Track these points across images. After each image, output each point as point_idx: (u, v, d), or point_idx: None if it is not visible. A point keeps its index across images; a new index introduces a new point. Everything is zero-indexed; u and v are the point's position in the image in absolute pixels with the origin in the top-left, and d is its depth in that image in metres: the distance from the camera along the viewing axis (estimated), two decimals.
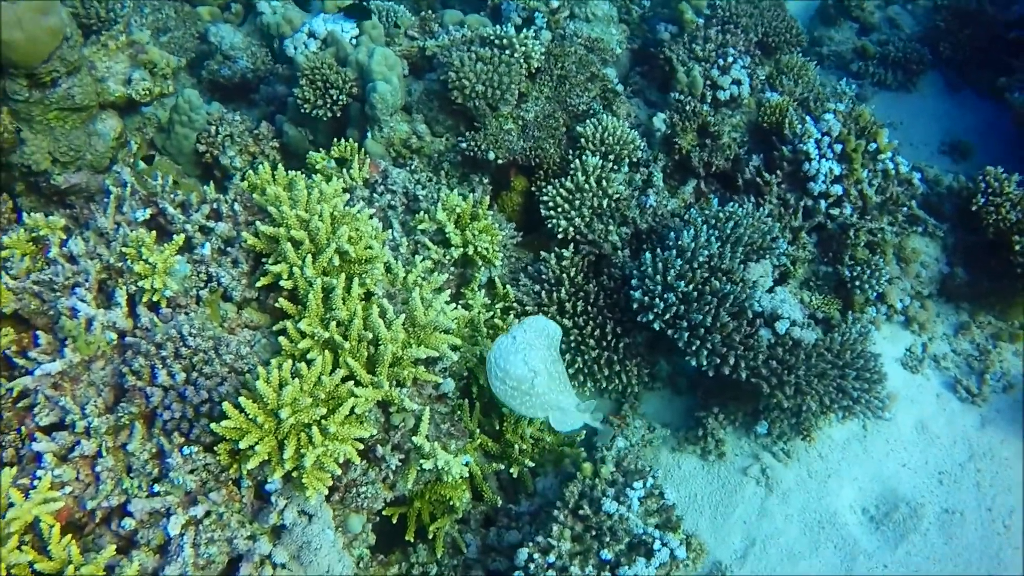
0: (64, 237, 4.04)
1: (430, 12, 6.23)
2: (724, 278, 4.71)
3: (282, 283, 3.83)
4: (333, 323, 3.68)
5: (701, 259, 4.68)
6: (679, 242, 4.78)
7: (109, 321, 3.67)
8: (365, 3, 6.18)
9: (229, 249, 4.06)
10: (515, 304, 5.00)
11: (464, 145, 5.19)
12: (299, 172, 4.76)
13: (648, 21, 6.97)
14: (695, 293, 4.59)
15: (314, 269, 3.84)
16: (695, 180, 5.69)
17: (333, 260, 3.88)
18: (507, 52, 5.40)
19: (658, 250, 4.84)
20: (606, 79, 5.83)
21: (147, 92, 4.80)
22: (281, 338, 3.68)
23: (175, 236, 3.91)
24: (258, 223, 3.98)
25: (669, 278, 4.65)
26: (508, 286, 5.03)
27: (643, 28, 6.97)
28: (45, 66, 4.21)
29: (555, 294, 5.01)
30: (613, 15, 6.42)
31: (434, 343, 3.88)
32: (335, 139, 5.24)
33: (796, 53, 6.49)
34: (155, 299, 3.77)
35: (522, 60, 5.42)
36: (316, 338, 3.64)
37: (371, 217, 4.31)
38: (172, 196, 4.24)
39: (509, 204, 5.43)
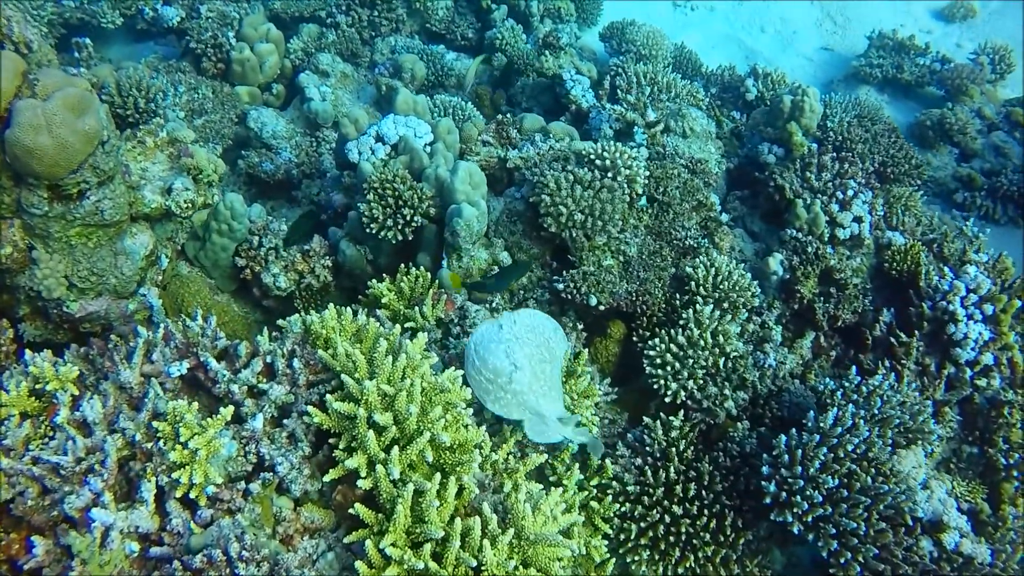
0: (76, 393, 3.17)
1: (508, 116, 5.49)
2: (874, 471, 3.86)
3: (360, 483, 2.95)
4: (427, 546, 2.79)
5: (849, 448, 3.83)
6: (820, 424, 3.94)
7: (131, 526, 2.78)
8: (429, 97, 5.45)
9: (286, 421, 3.19)
10: (613, 482, 4.11)
11: (561, 286, 4.37)
12: (367, 315, 3.94)
13: (742, 137, 6.25)
14: (844, 491, 3.74)
15: (401, 461, 2.96)
16: (814, 333, 4.88)
17: (425, 453, 3.00)
18: (609, 175, 4.63)
19: (794, 432, 3.99)
20: (711, 207, 5.05)
21: (189, 205, 3.98)
22: (359, 564, 2.77)
23: (218, 396, 3.06)
24: (329, 398, 3.11)
25: (812, 470, 3.79)
26: (606, 459, 4.16)
27: (734, 143, 6.25)
28: (73, 177, 3.40)
29: (662, 472, 4.13)
30: (711, 131, 5.69)
31: (546, 564, 3.00)
32: (401, 264, 4.43)
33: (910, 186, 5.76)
34: (193, 495, 2.88)
35: (625, 184, 4.65)
36: (406, 566, 2.74)
37: (458, 381, 3.44)
38: (214, 342, 3.38)
39: (604, 354, 4.59)
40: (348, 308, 3.69)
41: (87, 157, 3.40)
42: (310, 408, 3.12)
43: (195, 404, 3.01)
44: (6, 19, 3.39)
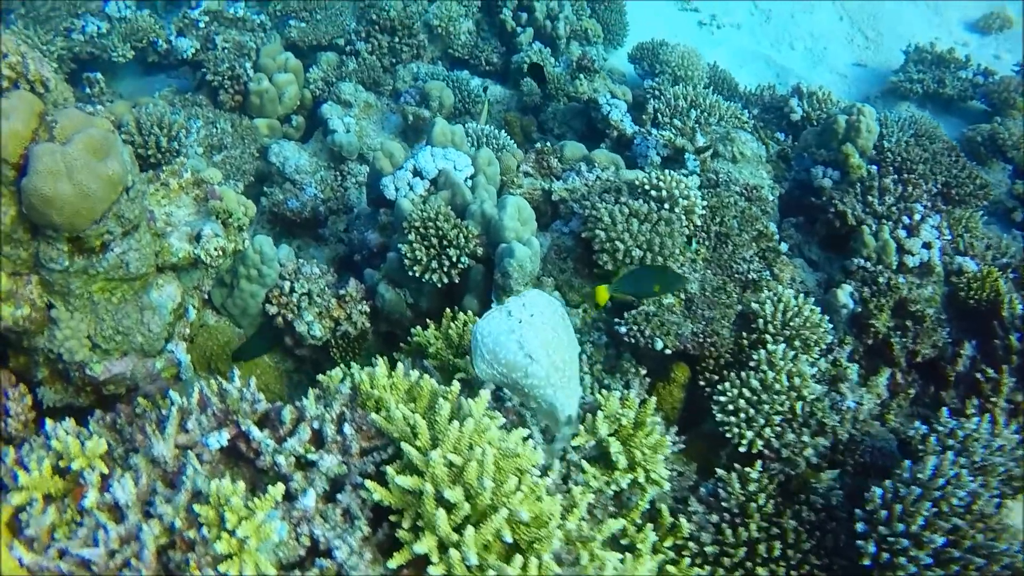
0: (106, 472, 2.83)
1: (548, 144, 5.17)
2: (982, 526, 3.49)
3: (432, 570, 2.59)
4: None
5: (955, 501, 3.47)
6: (918, 474, 3.58)
7: None
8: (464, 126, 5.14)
9: (339, 496, 2.84)
10: (689, 542, 3.75)
11: (624, 329, 4.03)
12: (413, 364, 3.62)
13: (788, 160, 5.93)
14: (953, 550, 3.37)
15: (476, 543, 2.61)
16: (890, 370, 4.52)
17: (503, 533, 2.65)
18: (666, 206, 4.31)
19: (889, 484, 3.63)
20: (771, 237, 4.72)
21: (220, 253, 3.66)
22: None
23: (262, 468, 2.71)
24: (389, 471, 2.76)
25: (915, 527, 3.43)
26: (680, 516, 3.79)
27: (780, 167, 5.93)
28: (96, 227, 3.08)
29: (742, 530, 3.77)
30: (762, 155, 5.37)
31: None
32: (446, 307, 4.10)
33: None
34: None
35: (683, 216, 4.32)
36: None
37: (528, 443, 3.09)
38: (254, 406, 3.04)
39: (668, 400, 4.23)
40: (399, 364, 3.35)
41: (111, 205, 3.07)
42: (368, 483, 2.77)
43: (240, 484, 2.66)
44: (20, 56, 3.08)
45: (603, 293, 4.05)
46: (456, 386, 3.18)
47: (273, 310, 4.35)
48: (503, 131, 5.80)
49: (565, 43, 7.30)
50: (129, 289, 3.36)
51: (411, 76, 7.04)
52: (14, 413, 3.32)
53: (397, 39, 7.16)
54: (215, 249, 3.59)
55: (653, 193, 4.36)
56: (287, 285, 4.38)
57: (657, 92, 5.98)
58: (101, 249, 3.15)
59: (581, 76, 6.05)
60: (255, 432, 2.90)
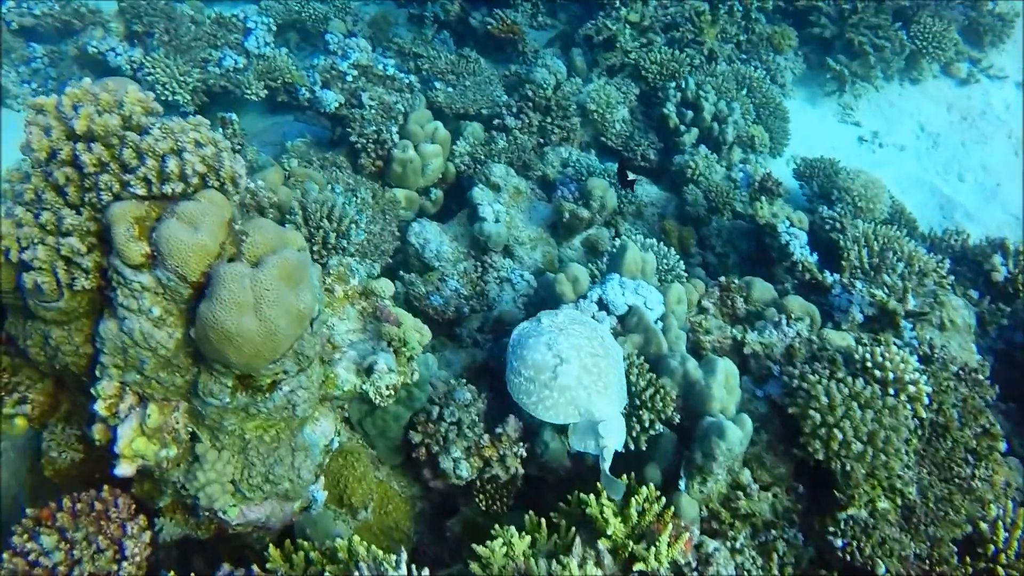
0: None
1: (734, 281, 4.54)
2: None
3: None
4: None
5: None
6: None
7: None
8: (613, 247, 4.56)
9: None
10: None
11: (840, 543, 3.36)
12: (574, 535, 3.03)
13: (985, 325, 5.22)
14: None
15: None
16: None
17: None
18: (891, 390, 3.65)
19: None
20: (996, 436, 4.02)
21: (391, 392, 3.10)
22: None
23: None
24: None
25: None
26: None
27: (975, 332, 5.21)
28: (272, 368, 2.54)
29: None
30: (972, 325, 4.68)
31: None
32: (623, 475, 3.48)
33: None
34: None
35: (907, 404, 3.66)
36: None
37: None
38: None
39: None
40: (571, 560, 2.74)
41: (294, 342, 2.54)
42: None
43: None
44: (215, 147, 2.58)
45: None
46: None
47: (417, 439, 3.77)
48: (672, 250, 5.20)
49: (728, 148, 6.72)
50: (286, 428, 2.82)
51: (560, 161, 6.52)
52: (130, 555, 2.78)
53: (550, 119, 6.66)
54: (387, 388, 3.03)
55: (877, 373, 3.71)
56: (436, 411, 3.82)
57: (846, 230, 5.34)
58: (270, 388, 2.62)
59: (763, 198, 5.45)
60: None
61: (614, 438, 3.19)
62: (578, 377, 3.11)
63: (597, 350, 3.24)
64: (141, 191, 2.45)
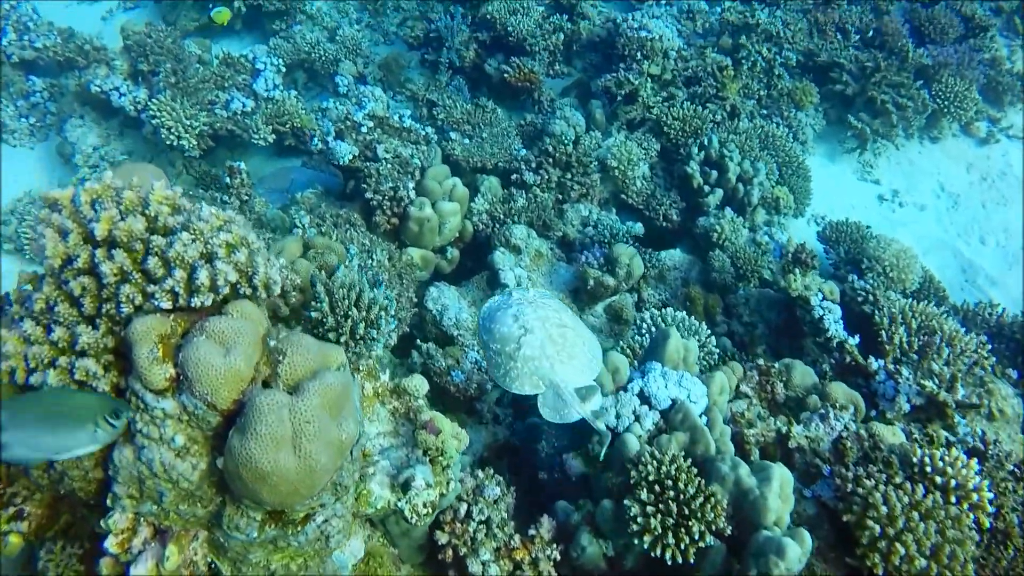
0: None
1: (772, 365, 4.31)
2: None
3: None
4: None
5: None
6: None
7: None
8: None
9: None
10: None
11: None
12: None
13: None
14: None
15: None
16: None
17: None
18: (953, 498, 3.41)
19: None
20: None
21: (428, 511, 2.83)
22: None
23: None
24: None
25: None
26: None
27: None
28: (308, 503, 2.27)
29: None
30: (1021, 412, 4.45)
31: None
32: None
33: None
34: None
35: (970, 513, 3.42)
36: None
37: None
38: None
39: None
40: None
41: (333, 475, 2.27)
42: None
43: None
44: (249, 250, 2.33)
45: None
46: None
47: (443, 539, 3.49)
48: (703, 324, 4.97)
49: (753, 210, 6.51)
50: (316, 556, 2.54)
51: (580, 220, 6.30)
52: None
53: (570, 175, 6.44)
54: (424, 505, 2.77)
55: (938, 480, 3.46)
56: (463, 508, 3.54)
57: (880, 304, 5.13)
58: (303, 522, 2.35)
59: (796, 271, 5.23)
60: None
61: (589, 404, 3.00)
62: (542, 346, 3.04)
63: (565, 321, 3.18)
64: (167, 304, 2.19)
